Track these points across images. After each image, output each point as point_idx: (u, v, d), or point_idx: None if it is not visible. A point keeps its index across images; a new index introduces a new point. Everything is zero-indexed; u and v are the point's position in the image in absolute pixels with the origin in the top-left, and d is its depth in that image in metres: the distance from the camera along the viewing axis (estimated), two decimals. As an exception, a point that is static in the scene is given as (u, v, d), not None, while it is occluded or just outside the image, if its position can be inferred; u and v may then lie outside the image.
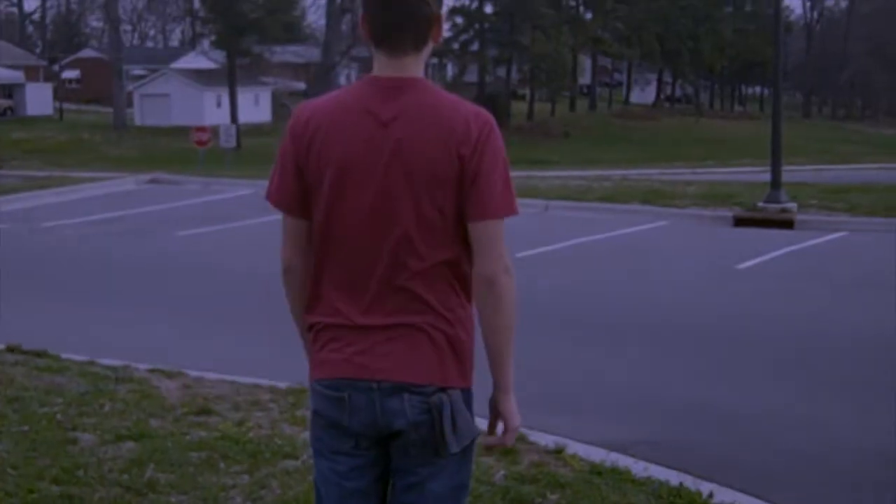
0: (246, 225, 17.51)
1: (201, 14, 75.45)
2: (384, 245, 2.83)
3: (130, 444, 5.88)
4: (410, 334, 2.85)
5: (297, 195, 2.95)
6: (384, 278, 2.85)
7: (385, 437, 2.89)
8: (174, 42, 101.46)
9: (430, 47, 2.92)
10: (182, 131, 50.11)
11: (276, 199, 3.04)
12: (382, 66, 2.90)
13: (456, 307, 2.89)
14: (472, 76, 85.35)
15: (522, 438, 6.21)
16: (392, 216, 2.82)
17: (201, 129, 33.89)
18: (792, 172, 26.91)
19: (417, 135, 2.81)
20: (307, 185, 2.91)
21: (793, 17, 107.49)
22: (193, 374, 7.65)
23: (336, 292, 2.90)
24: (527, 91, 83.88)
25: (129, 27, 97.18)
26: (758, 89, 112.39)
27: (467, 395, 2.96)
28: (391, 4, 2.85)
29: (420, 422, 2.85)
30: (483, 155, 2.81)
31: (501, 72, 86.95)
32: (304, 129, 2.92)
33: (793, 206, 18.44)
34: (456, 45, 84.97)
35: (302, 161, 2.91)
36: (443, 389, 2.87)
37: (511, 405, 3.05)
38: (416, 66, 2.89)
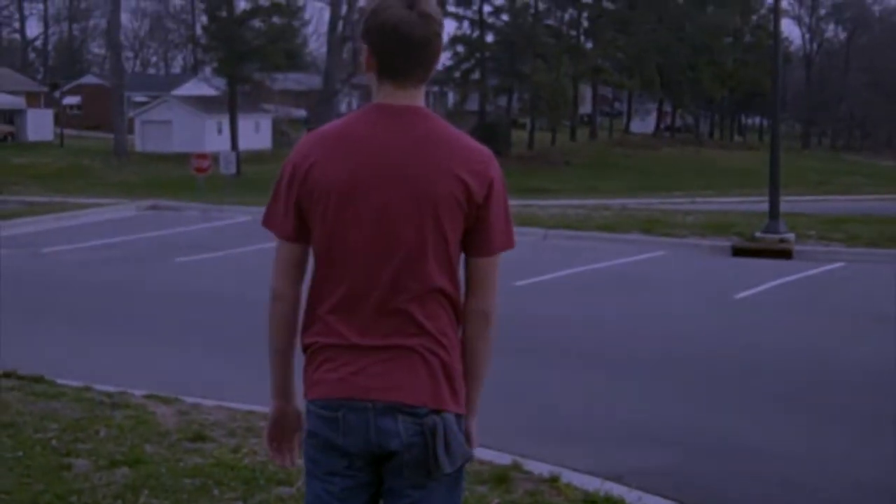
0: (245, 252, 17.51)
1: (203, 41, 75.74)
2: (386, 268, 2.87)
3: (125, 470, 5.87)
4: (406, 356, 2.88)
5: (294, 221, 3.00)
6: (382, 300, 2.88)
7: (379, 457, 2.90)
8: (176, 69, 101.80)
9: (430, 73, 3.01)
10: (183, 158, 50.18)
11: (272, 223, 3.11)
12: (388, 95, 2.94)
13: (449, 332, 2.93)
14: (472, 105, 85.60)
15: (517, 467, 6.21)
16: (395, 239, 2.86)
17: (202, 156, 33.94)
18: (790, 203, 26.98)
19: (424, 161, 2.87)
20: (305, 210, 2.95)
21: (792, 48, 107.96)
22: (190, 400, 7.64)
23: (335, 315, 2.93)
24: (527, 120, 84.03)
25: (130, 54, 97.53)
26: (757, 119, 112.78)
27: (459, 419, 2.97)
28: (409, 40, 2.88)
29: (413, 443, 2.86)
30: (491, 192, 2.90)
31: (502, 100, 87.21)
32: (307, 155, 2.96)
33: (791, 236, 18.45)
34: (457, 74, 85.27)
35: (302, 187, 2.94)
36: (436, 411, 2.88)
37: (476, 428, 3.15)
38: (420, 95, 2.98)
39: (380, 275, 2.87)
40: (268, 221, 3.13)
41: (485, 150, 2.96)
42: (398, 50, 2.90)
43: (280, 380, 3.19)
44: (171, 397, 7.65)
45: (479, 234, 2.90)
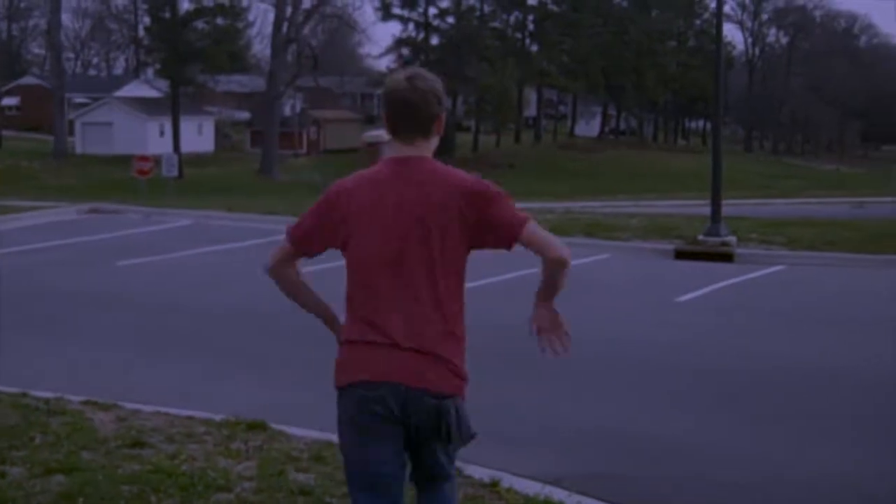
0: (187, 255, 17.38)
1: (146, 42, 75.17)
2: (408, 283, 3.78)
3: (60, 478, 5.79)
4: (429, 358, 3.79)
5: (314, 245, 4.08)
6: (407, 310, 3.77)
7: (407, 428, 3.75)
8: (118, 70, 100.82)
9: (437, 136, 3.89)
10: (124, 160, 49.74)
11: (299, 238, 4.08)
12: (398, 150, 3.88)
13: (459, 334, 4.01)
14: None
15: (458, 472, 6.19)
16: (409, 258, 3.76)
17: (143, 158, 33.68)
18: (733, 206, 27.25)
19: (424, 196, 3.73)
20: (329, 239, 4.01)
21: (735, 53, 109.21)
22: (128, 406, 7.57)
23: (363, 323, 3.92)
24: (472, 123, 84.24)
25: (71, 54, 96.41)
26: (700, 123, 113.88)
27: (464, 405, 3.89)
28: (407, 107, 3.82)
29: (433, 420, 3.77)
30: (485, 203, 3.73)
31: (447, 103, 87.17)
32: (338, 197, 3.94)
33: (732, 239, 18.62)
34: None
35: (331, 222, 3.93)
36: (451, 396, 3.82)
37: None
38: (426, 148, 3.86)
39: (402, 289, 3.78)
40: (294, 233, 4.10)
41: (471, 178, 3.79)
42: (400, 116, 3.85)
43: (327, 312, 4.36)
44: (109, 403, 7.57)
45: (497, 230, 3.75)
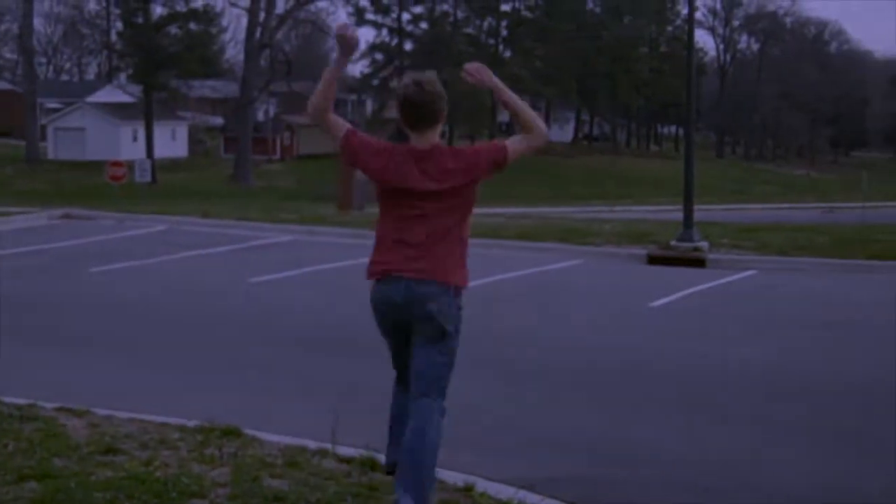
0: (161, 261, 17.34)
1: (118, 47, 74.81)
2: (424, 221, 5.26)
3: (33, 485, 5.76)
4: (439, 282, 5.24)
5: (359, 162, 5.47)
6: (423, 238, 5.25)
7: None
8: (90, 75, 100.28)
9: (441, 125, 5.28)
10: (97, 166, 49.56)
11: (354, 146, 5.45)
12: (413, 140, 5.31)
13: (459, 264, 5.38)
14: (391, 112, 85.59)
15: None
16: (434, 207, 5.26)
17: (116, 163, 33.59)
18: (705, 212, 27.44)
19: (444, 165, 5.25)
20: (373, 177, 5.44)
21: (707, 59, 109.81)
22: (102, 412, 7.53)
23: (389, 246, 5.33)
24: (446, 128, 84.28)
25: (43, 59, 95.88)
26: (673, 128, 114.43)
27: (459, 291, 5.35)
28: (417, 109, 5.22)
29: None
30: (472, 152, 5.34)
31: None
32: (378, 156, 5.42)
33: (704, 244, 18.72)
34: (375, 82, 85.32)
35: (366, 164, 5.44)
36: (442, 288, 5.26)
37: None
38: (433, 135, 5.29)
39: (420, 225, 5.31)
40: (350, 140, 5.49)
41: (459, 147, 5.35)
42: (409, 113, 5.25)
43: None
44: (82, 409, 7.53)
45: (490, 159, 5.33)
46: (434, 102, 5.20)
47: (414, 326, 5.33)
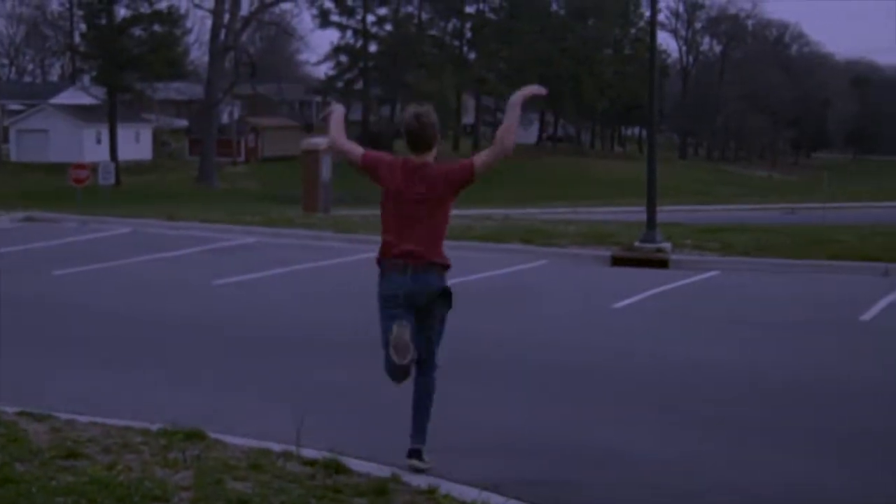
0: (126, 264, 17.23)
1: (82, 49, 74.32)
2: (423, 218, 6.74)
3: (-6, 490, 5.72)
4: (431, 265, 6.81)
5: (375, 175, 6.93)
6: (421, 234, 6.74)
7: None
8: (53, 77, 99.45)
9: (436, 147, 6.80)
10: (61, 168, 49.22)
11: (370, 164, 6.99)
12: (414, 157, 6.79)
13: (441, 248, 6.89)
14: (356, 114, 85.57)
15: (396, 479, 6.29)
16: (427, 208, 6.73)
17: (80, 166, 33.47)
18: (668, 213, 27.57)
19: (429, 178, 6.73)
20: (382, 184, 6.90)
21: (670, 61, 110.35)
22: (64, 416, 7.52)
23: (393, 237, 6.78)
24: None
25: (5, 61, 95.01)
26: (637, 130, 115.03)
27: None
28: (416, 138, 6.75)
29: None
30: (451, 171, 6.81)
31: (385, 110, 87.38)
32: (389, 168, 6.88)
33: (668, 245, 18.78)
34: (340, 84, 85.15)
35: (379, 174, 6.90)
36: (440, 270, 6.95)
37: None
38: (429, 155, 6.82)
39: (417, 221, 6.74)
40: (367, 157, 7.05)
41: (444, 164, 6.87)
42: (410, 139, 6.78)
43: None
44: (43, 414, 7.51)
45: (462, 177, 6.81)
46: (428, 131, 6.72)
47: (415, 302, 7.00)
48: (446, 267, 6.96)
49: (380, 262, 6.82)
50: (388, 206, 6.82)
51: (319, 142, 29.74)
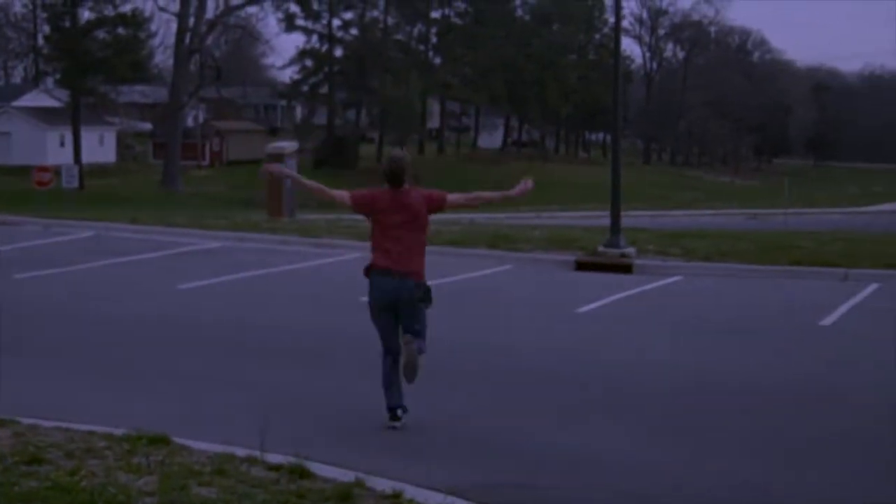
0: (88, 268, 17.20)
1: (45, 51, 73.76)
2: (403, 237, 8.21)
3: (-44, 496, 5.71)
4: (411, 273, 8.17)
5: (368, 210, 8.39)
6: (402, 249, 8.18)
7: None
8: (16, 79, 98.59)
9: (407, 180, 8.28)
10: (24, 171, 48.84)
11: (360, 203, 8.42)
12: (391, 188, 8.27)
13: (422, 261, 8.26)
14: (321, 119, 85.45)
15: (360, 484, 6.30)
16: (406, 228, 8.20)
17: (43, 168, 33.27)
18: (632, 218, 27.71)
19: (411, 203, 8.22)
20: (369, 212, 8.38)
21: (633, 67, 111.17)
22: (26, 421, 7.50)
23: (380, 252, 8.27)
24: (375, 134, 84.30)
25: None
26: (601, 135, 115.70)
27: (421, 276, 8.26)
28: (394, 176, 8.24)
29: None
30: (430, 197, 8.34)
31: (351, 115, 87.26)
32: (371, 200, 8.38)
33: (631, 250, 18.92)
34: (305, 88, 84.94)
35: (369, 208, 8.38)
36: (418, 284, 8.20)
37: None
38: (404, 185, 8.25)
39: (401, 239, 8.21)
40: (356, 199, 8.41)
41: (422, 190, 8.42)
42: (389, 177, 8.26)
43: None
44: (6, 419, 7.49)
45: (437, 205, 8.33)
46: (402, 172, 8.28)
47: (397, 307, 8.39)
48: (422, 277, 8.25)
49: (367, 272, 8.28)
50: (376, 230, 8.31)
51: (283, 146, 29.77)
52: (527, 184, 8.43)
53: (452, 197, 8.44)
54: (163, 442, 6.99)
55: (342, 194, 8.50)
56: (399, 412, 8.17)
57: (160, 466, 6.47)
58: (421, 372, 8.02)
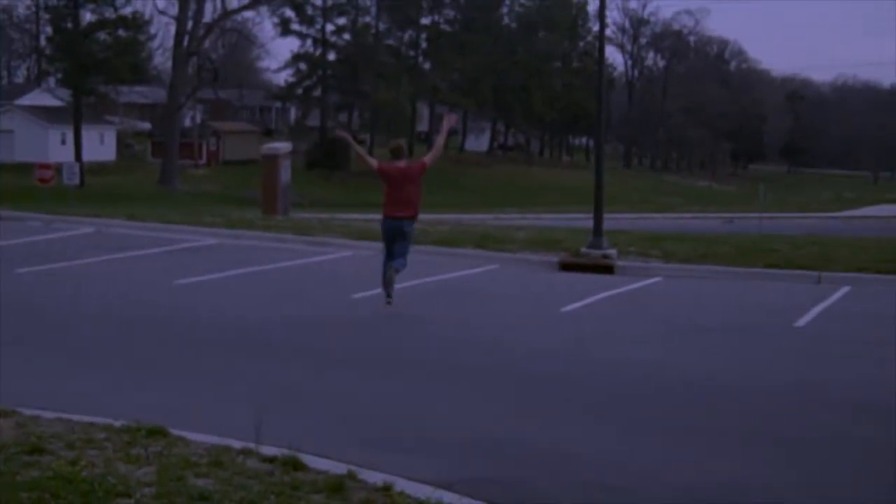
0: (88, 263, 17.33)
1: (48, 52, 73.85)
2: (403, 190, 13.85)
3: (-42, 485, 5.75)
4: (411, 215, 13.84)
5: (386, 175, 13.94)
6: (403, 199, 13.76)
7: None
8: (19, 79, 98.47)
9: (405, 157, 14.26)
10: (26, 168, 48.87)
11: (384, 171, 13.93)
12: (396, 163, 14.00)
13: (418, 204, 13.97)
14: (314, 121, 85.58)
15: (352, 476, 6.43)
16: (406, 185, 13.76)
17: (45, 166, 33.33)
18: (614, 220, 27.80)
19: (409, 172, 13.84)
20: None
21: (616, 74, 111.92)
22: (28, 412, 7.58)
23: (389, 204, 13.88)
24: (367, 136, 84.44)
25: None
26: (584, 140, 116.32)
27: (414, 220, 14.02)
28: (394, 155, 14.16)
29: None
30: (418, 165, 14.06)
31: (343, 117, 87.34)
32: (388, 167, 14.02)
33: (613, 252, 19.05)
34: (299, 91, 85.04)
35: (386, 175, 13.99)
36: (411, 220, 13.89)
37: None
38: (404, 162, 14.02)
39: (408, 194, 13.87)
40: (380, 166, 14.04)
41: (412, 162, 14.27)
42: (393, 154, 14.21)
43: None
44: (8, 409, 7.56)
45: (421, 170, 13.91)
46: (401, 151, 14.08)
47: (396, 235, 13.63)
48: (415, 218, 13.77)
49: (384, 217, 13.78)
50: (388, 188, 13.70)
51: (278, 147, 30.02)
52: (450, 118, 15.42)
53: (427, 159, 14.12)
54: (161, 434, 7.05)
55: (373, 162, 14.05)
56: (390, 299, 13.46)
57: (158, 457, 6.53)
58: (398, 275, 13.54)
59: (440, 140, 14.60)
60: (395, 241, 13.52)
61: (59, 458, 6.47)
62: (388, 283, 13.39)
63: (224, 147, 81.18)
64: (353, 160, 77.69)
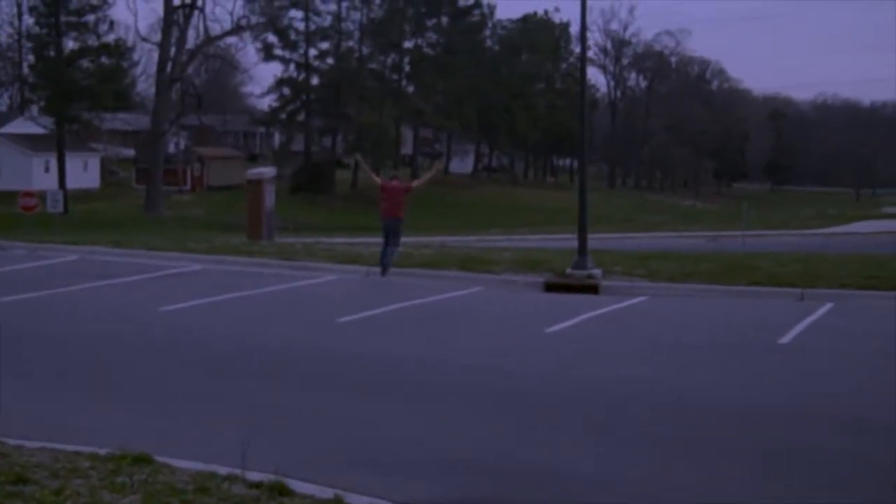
0: (72, 291, 17.31)
1: (30, 80, 73.89)
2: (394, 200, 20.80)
3: (-61, 517, 5.75)
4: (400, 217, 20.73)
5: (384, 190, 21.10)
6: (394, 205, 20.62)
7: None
8: (2, 107, 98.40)
9: (399, 179, 21.85)
10: (10, 196, 48.80)
11: (382, 187, 20.99)
12: (391, 181, 21.23)
13: (404, 209, 20.87)
14: (298, 145, 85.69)
15: (339, 500, 6.44)
16: (397, 196, 20.57)
17: (28, 194, 33.31)
18: (599, 240, 27.88)
19: (400, 188, 20.75)
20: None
21: (598, 95, 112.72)
22: (12, 441, 7.57)
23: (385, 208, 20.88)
24: (351, 160, 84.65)
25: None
26: (568, 161, 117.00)
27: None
28: (392, 177, 21.72)
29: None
30: (406, 185, 21.46)
31: (327, 141, 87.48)
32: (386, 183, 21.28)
33: (598, 272, 19.14)
34: (283, 115, 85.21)
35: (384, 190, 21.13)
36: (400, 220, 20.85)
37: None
38: (398, 181, 21.30)
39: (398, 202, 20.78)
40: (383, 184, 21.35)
41: (404, 181, 22.08)
42: (390, 178, 21.68)
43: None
44: (-9, 440, 7.49)
45: (408, 190, 21.07)
46: (397, 177, 21.45)
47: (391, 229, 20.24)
48: (402, 218, 20.10)
49: (383, 217, 20.25)
50: (384, 198, 20.36)
51: (262, 172, 30.10)
52: (439, 167, 19.27)
53: (414, 184, 21.70)
54: (146, 461, 7.02)
55: (378, 179, 21.41)
56: (386, 273, 19.59)
57: (143, 485, 6.50)
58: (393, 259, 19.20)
59: (426, 177, 24.23)
60: (390, 233, 20.03)
61: (43, 487, 6.45)
62: (386, 264, 19.80)
63: (208, 172, 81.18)
64: (339, 183, 77.98)
